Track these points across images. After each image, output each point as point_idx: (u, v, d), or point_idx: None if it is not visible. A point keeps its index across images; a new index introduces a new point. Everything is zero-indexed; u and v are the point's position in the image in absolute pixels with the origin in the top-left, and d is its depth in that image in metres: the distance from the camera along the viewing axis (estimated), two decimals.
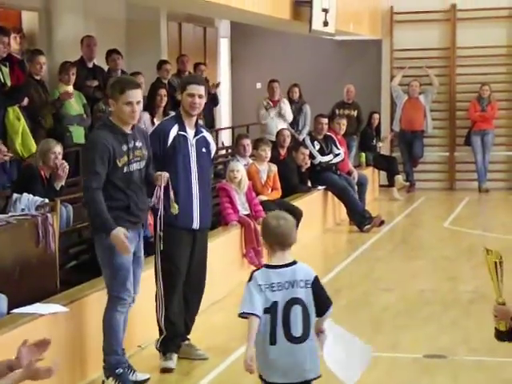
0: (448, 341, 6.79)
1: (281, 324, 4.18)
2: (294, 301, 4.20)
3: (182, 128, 6.10)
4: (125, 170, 5.57)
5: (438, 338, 6.88)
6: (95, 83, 10.23)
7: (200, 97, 6.07)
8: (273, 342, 4.18)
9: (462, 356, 6.40)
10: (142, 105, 5.71)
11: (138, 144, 5.67)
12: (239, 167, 9.21)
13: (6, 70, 8.44)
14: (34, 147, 8.18)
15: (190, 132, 6.14)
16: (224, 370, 6.11)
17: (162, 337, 6.10)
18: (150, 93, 10.62)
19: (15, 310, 5.40)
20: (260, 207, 9.37)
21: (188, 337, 6.39)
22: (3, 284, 5.63)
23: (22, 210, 6.90)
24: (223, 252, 8.46)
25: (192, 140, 6.13)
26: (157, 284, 6.12)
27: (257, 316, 4.14)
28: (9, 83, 8.40)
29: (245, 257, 9.09)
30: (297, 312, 4.20)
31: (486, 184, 15.99)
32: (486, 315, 3.85)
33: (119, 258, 5.54)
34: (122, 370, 5.63)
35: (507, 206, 15.14)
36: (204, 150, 6.19)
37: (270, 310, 4.18)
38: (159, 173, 5.79)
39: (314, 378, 4.24)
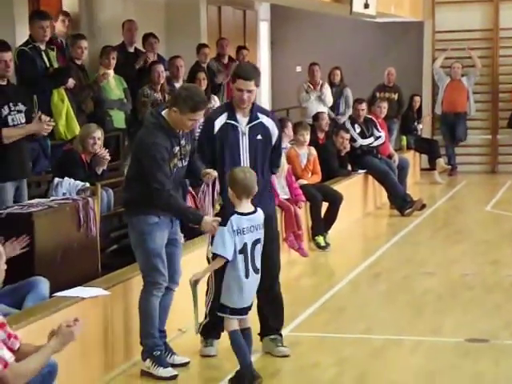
0: (490, 325, 6.72)
1: (249, 260, 5.31)
2: (257, 241, 5.39)
3: (232, 116, 5.86)
4: (174, 170, 5.56)
5: (479, 322, 6.82)
6: (141, 63, 10.25)
7: (249, 91, 5.77)
8: (247, 275, 5.34)
9: (504, 340, 6.34)
10: None
11: (184, 142, 5.62)
12: None
13: (53, 53, 8.49)
14: (77, 129, 8.21)
15: (242, 120, 5.87)
16: (264, 353, 6.12)
17: (206, 322, 6.09)
18: (189, 76, 10.62)
19: (57, 294, 5.45)
20: (300, 191, 9.35)
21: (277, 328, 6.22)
22: (45, 268, 5.69)
23: (64, 194, 6.97)
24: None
25: (244, 128, 5.86)
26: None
27: (226, 259, 5.29)
28: (55, 66, 8.47)
29: (285, 241, 9.08)
30: (258, 249, 5.40)
31: None
32: None
33: (151, 244, 5.56)
34: (159, 352, 5.66)
35: None
36: (260, 136, 5.88)
37: (243, 250, 5.30)
38: (208, 170, 5.74)
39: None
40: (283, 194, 9.16)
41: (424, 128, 15.50)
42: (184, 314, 6.35)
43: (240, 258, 5.32)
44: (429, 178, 15.05)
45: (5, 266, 3.98)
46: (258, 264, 5.42)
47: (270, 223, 5.79)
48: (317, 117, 11.46)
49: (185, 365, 5.87)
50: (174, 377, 5.64)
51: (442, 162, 15.25)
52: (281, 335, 6.18)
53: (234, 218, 5.29)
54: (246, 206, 5.37)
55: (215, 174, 5.77)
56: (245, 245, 5.32)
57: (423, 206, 11.94)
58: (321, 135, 11.22)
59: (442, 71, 15.95)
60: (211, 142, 5.88)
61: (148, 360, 5.68)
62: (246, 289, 5.38)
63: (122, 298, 5.90)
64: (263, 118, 5.93)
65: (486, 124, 16.52)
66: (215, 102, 10.34)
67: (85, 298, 5.42)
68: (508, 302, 7.42)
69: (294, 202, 9.19)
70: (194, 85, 6.71)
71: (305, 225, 9.55)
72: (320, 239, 9.71)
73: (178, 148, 5.54)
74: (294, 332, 6.67)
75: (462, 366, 5.87)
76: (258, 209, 5.44)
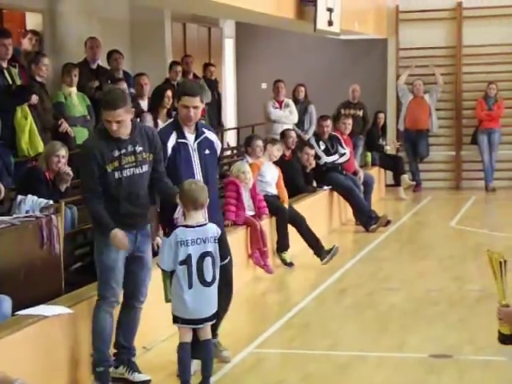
0: (454, 340, 6.76)
1: (195, 272, 5.46)
2: (206, 254, 5.51)
3: (181, 135, 5.96)
4: (116, 175, 5.55)
5: (444, 338, 6.85)
6: (96, 84, 10.22)
7: (195, 108, 5.91)
8: (190, 286, 5.47)
9: (469, 356, 6.37)
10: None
11: (138, 148, 5.61)
12: (248, 168, 9.19)
13: (15, 70, 8.45)
14: (41, 146, 8.18)
15: (190, 137, 5.99)
16: (229, 371, 6.10)
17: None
18: (155, 94, 10.58)
19: (20, 312, 5.39)
20: (264, 203, 9.35)
21: (217, 333, 6.28)
22: (8, 286, 5.62)
23: (27, 211, 6.89)
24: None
25: (193, 145, 5.99)
26: None
27: (164, 270, 5.57)
28: (18, 83, 8.41)
29: (250, 257, 9.07)
30: (208, 262, 5.51)
31: (493, 183, 15.94)
32: (493, 314, 3.81)
33: (106, 259, 5.59)
34: (102, 369, 5.64)
35: None
36: (207, 151, 6.04)
37: (186, 261, 5.46)
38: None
39: (213, 314, 5.62)
40: (249, 209, 9.15)
41: (390, 148, 15.58)
42: (149, 332, 6.31)
43: (181, 268, 5.47)
44: (394, 193, 15.15)
45: None
46: (208, 277, 5.53)
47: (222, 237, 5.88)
48: (284, 134, 11.46)
49: (146, 383, 5.83)
50: None
51: (406, 178, 15.37)
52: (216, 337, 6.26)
53: (179, 229, 5.51)
54: (195, 217, 5.54)
55: None
56: (188, 256, 5.46)
57: (388, 222, 12.00)
58: (287, 152, 11.22)
59: (405, 88, 16.09)
60: (165, 161, 5.91)
61: (93, 375, 5.69)
62: (191, 300, 5.49)
63: (87, 316, 5.83)
64: (207, 133, 6.11)
65: (450, 140, 16.68)
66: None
67: (47, 316, 5.36)
68: (472, 317, 7.46)
69: (257, 216, 9.18)
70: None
71: (269, 241, 9.55)
72: (285, 255, 9.71)
73: (118, 152, 5.53)
74: (259, 349, 6.66)
75: (427, 381, 5.88)
76: (210, 223, 5.62)
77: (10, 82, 8.26)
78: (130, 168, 5.59)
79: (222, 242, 5.76)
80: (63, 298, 5.94)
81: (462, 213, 13.62)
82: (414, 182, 15.87)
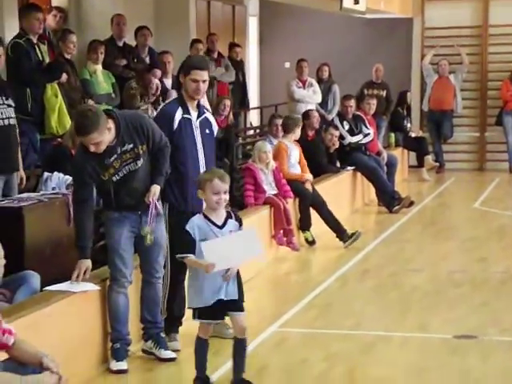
0: (478, 322, 6.75)
1: None
2: None
3: (186, 111, 6.01)
4: (114, 178, 5.58)
5: (467, 319, 6.85)
6: (124, 62, 10.23)
7: (204, 82, 5.97)
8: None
9: (492, 337, 6.37)
10: None
11: (128, 147, 5.58)
12: (269, 148, 9.20)
13: (44, 47, 8.47)
14: (69, 125, 8.21)
15: (194, 114, 6.06)
16: (254, 349, 6.12)
17: (164, 317, 6.11)
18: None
19: (48, 288, 5.44)
20: (288, 188, 9.35)
21: None
22: (36, 262, 5.69)
23: (53, 188, 6.95)
24: None
25: (196, 122, 6.05)
26: (165, 267, 6.10)
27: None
28: (47, 60, 8.44)
29: (273, 238, 9.09)
30: None
31: None
32: None
33: (109, 238, 5.67)
34: (118, 345, 5.68)
35: None
36: (207, 131, 6.12)
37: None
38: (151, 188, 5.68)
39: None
40: (271, 189, 9.16)
41: (414, 128, 15.48)
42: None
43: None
44: (417, 175, 15.09)
45: (4, 261, 3.97)
46: None
47: None
48: (307, 114, 11.44)
49: (171, 360, 5.86)
50: (123, 371, 5.62)
51: (429, 159, 15.30)
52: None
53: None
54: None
55: (153, 190, 5.67)
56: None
57: (411, 203, 11.97)
58: (310, 132, 11.21)
59: (430, 68, 15.99)
60: (169, 137, 5.88)
61: (110, 352, 5.74)
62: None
63: None
64: (207, 114, 6.19)
65: (474, 121, 16.58)
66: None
67: (75, 292, 5.41)
68: (496, 298, 7.45)
69: (283, 198, 9.19)
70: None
71: (294, 220, 9.56)
72: (308, 234, 9.72)
73: (108, 160, 5.51)
74: (283, 328, 6.68)
75: (450, 362, 5.89)
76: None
77: (41, 59, 8.28)
78: (125, 167, 5.60)
79: None
80: (90, 275, 5.97)
81: (486, 194, 13.56)
82: (438, 164, 15.79)
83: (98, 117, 5.39)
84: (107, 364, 5.72)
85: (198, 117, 6.09)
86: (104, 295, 5.74)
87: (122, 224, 5.66)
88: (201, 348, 5.26)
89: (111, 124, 5.49)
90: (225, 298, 5.08)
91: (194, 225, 5.07)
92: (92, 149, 5.42)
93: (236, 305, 5.15)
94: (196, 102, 6.08)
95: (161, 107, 6.44)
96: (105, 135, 5.42)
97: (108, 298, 5.71)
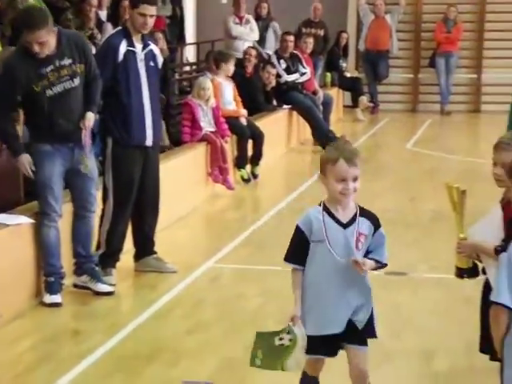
0: (409, 259, 6.90)
1: None
2: None
3: (131, 43, 5.98)
4: (47, 93, 5.48)
5: (399, 256, 6.96)
6: None
7: (151, 17, 5.98)
8: None
9: (422, 273, 6.54)
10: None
11: (66, 61, 5.50)
12: (209, 84, 9.13)
13: None
14: None
15: (139, 46, 6.03)
16: (190, 284, 6.19)
17: (102, 252, 6.12)
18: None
19: None
20: (226, 126, 9.32)
21: (155, 250, 6.43)
22: None
23: None
24: (188, 169, 8.46)
25: (141, 54, 6.03)
26: (105, 201, 6.10)
27: None
28: None
29: (209, 175, 9.09)
30: None
31: (449, 106, 16.08)
32: (447, 234, 3.89)
33: (40, 176, 5.58)
34: (52, 279, 5.67)
35: (469, 128, 15.30)
36: (152, 63, 6.11)
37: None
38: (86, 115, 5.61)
39: None
40: (209, 127, 9.12)
41: (349, 69, 15.50)
42: None
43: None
44: (351, 115, 15.21)
45: None
46: None
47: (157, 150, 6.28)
48: (245, 51, 11.38)
49: (109, 294, 5.88)
50: (58, 304, 5.64)
51: (364, 99, 15.42)
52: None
53: None
54: None
55: (89, 117, 5.60)
56: None
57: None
58: (248, 69, 11.15)
59: (367, 7, 16.00)
60: (113, 69, 5.90)
61: (43, 285, 5.73)
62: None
63: None
64: (152, 46, 6.16)
65: (408, 63, 16.73)
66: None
67: (9, 224, 5.36)
68: (426, 236, 7.63)
69: (219, 134, 9.17)
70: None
71: (230, 158, 9.58)
72: (243, 172, 9.75)
73: (44, 70, 5.41)
74: (218, 264, 6.75)
75: (381, 297, 5.98)
76: None
77: None
78: (60, 84, 5.50)
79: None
80: (23, 208, 5.92)
81: (418, 135, 13.76)
82: (372, 104, 15.93)
83: (47, 15, 5.39)
84: (41, 297, 5.71)
85: (143, 49, 6.05)
86: (36, 229, 5.69)
87: (53, 158, 5.58)
88: None
89: (55, 31, 5.45)
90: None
91: (311, 220, 3.77)
92: (36, 49, 5.32)
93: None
94: (141, 35, 6.04)
95: (105, 39, 6.38)
96: (51, 36, 5.36)
97: (40, 234, 5.67)
